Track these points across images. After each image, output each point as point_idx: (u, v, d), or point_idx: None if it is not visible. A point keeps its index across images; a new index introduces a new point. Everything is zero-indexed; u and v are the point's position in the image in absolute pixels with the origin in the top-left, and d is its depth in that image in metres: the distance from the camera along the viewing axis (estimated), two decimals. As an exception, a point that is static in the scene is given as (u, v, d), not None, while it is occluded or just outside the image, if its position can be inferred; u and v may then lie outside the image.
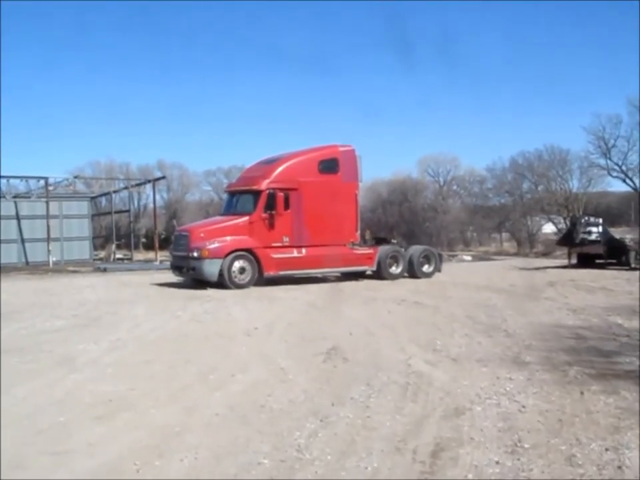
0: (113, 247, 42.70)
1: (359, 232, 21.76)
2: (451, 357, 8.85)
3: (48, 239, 35.99)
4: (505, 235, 63.66)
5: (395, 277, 21.34)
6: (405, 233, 61.65)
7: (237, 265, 19.00)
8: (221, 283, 18.62)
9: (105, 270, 31.48)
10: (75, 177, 39.39)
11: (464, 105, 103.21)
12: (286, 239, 20.00)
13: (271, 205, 19.73)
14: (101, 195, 48.35)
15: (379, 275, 21.38)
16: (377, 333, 10.84)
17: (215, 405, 6.54)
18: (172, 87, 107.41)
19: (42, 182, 37.75)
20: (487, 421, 5.96)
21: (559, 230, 54.70)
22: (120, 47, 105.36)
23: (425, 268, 22.10)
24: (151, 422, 6.03)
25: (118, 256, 42.82)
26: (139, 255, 46.33)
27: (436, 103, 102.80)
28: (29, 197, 38.54)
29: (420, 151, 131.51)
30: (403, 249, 22.31)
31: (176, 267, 20.75)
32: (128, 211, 48.97)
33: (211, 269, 18.81)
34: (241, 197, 21.14)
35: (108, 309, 14.25)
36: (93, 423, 5.97)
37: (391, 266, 21.57)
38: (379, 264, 21.32)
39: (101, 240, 50.06)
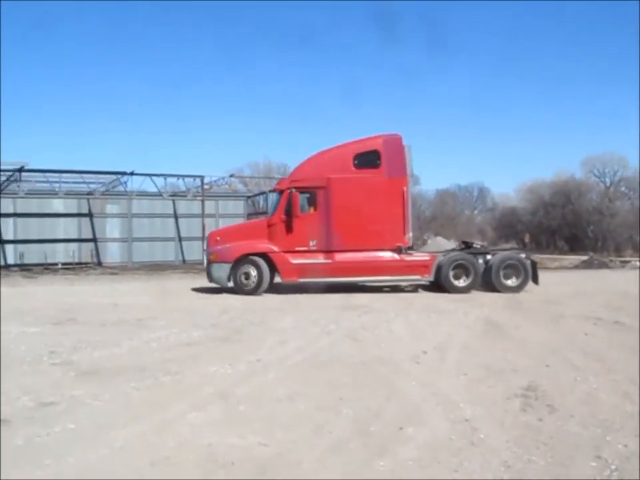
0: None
1: (409, 234, 18.57)
2: (701, 412, 6.34)
3: (203, 238, 35.53)
4: (682, 241, 58.32)
5: (459, 291, 18.05)
6: (567, 237, 57.93)
7: (244, 270, 18.10)
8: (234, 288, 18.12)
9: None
10: (231, 176, 38.91)
11: (631, 100, 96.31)
12: (312, 243, 18.18)
13: (288, 206, 18.32)
14: (258, 195, 47.80)
15: (439, 286, 18.39)
16: (581, 365, 8.36)
17: (379, 484, 4.49)
18: (329, 90, 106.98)
19: (198, 180, 37.46)
20: None
21: None
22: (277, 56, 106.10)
23: (511, 281, 18.41)
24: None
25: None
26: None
27: (600, 99, 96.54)
28: (186, 196, 38.39)
29: (583, 150, 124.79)
30: (474, 256, 18.76)
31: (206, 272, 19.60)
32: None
33: (219, 273, 18.30)
34: (275, 197, 19.81)
35: (253, 318, 12.62)
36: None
37: (457, 277, 18.36)
38: (438, 274, 18.29)
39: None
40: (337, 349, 9.35)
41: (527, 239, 72.27)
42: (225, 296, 17.44)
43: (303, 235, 18.13)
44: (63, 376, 7.55)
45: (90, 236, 38.27)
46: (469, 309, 14.30)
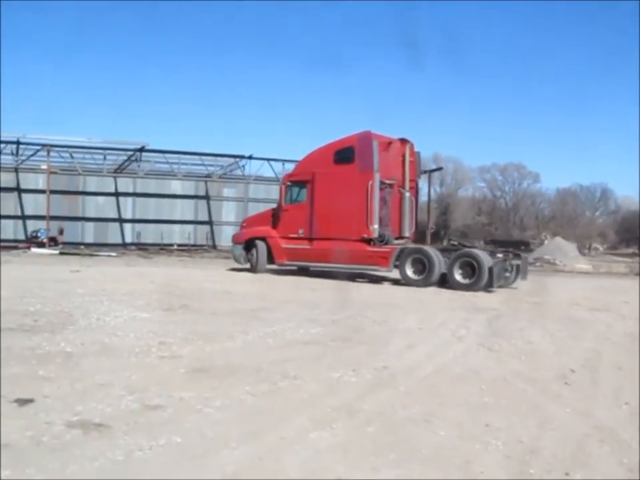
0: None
1: (374, 226, 19.68)
2: None
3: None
4: None
5: (418, 284, 18.19)
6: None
7: (252, 251, 21.47)
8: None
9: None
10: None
11: None
12: (301, 231, 20.81)
13: (285, 197, 21.33)
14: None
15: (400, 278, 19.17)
16: None
17: None
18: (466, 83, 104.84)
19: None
20: None
21: None
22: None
23: (466, 280, 17.86)
24: None
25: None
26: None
27: None
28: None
29: None
30: (432, 250, 18.95)
31: None
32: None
33: (236, 252, 22.41)
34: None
35: (374, 315, 11.73)
36: None
37: (417, 273, 18.63)
38: (396, 266, 19.05)
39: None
40: (472, 360, 8.31)
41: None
42: (339, 287, 17.20)
43: (293, 223, 20.88)
44: (171, 372, 6.87)
45: (206, 218, 38.44)
46: (610, 320, 12.92)
